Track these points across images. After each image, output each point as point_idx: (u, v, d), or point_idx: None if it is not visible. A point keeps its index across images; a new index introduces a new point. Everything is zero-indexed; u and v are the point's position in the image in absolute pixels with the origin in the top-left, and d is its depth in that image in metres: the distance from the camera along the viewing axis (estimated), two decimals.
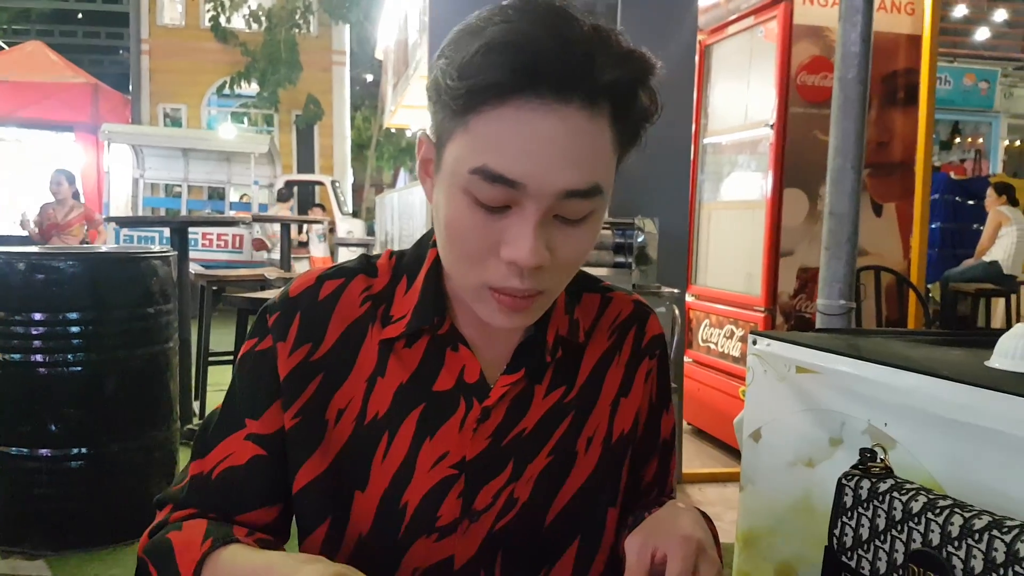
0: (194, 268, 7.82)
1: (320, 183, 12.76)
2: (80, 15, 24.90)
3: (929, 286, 7.18)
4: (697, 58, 5.01)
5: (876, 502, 1.16)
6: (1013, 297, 7.76)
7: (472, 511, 0.96)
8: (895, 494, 1.13)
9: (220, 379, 4.33)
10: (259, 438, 0.96)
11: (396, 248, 1.09)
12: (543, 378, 1.01)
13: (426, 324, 0.95)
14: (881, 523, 1.14)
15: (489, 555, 0.97)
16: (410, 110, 8.71)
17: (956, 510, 1.05)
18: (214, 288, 4.92)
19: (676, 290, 3.76)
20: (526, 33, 0.78)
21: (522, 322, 0.90)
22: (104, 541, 3.20)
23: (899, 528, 1.11)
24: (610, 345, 1.07)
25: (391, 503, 0.95)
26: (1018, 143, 13.23)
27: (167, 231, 5.20)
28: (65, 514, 3.18)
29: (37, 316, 3.09)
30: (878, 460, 1.21)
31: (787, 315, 4.49)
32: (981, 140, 13.00)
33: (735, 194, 5.03)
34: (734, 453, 4.47)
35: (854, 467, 1.22)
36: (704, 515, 0.99)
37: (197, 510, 0.97)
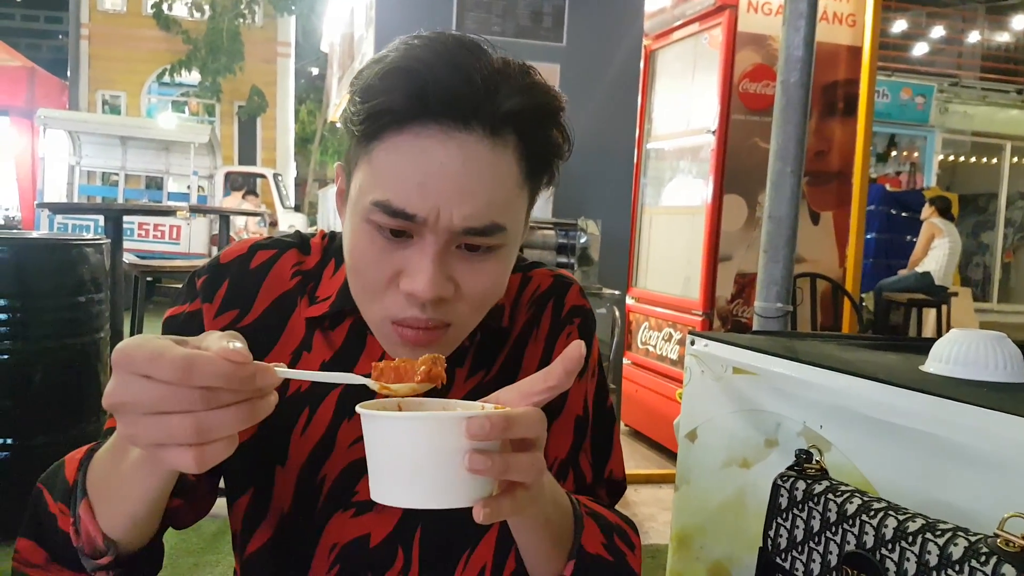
0: (129, 258, 7.65)
1: (262, 176, 12.56)
2: None
3: (863, 295, 7.33)
4: (642, 63, 5.05)
5: (811, 504, 1.16)
6: (943, 308, 7.96)
7: None
8: (830, 496, 1.14)
9: None
10: None
11: None
12: (464, 362, 1.00)
13: (348, 307, 0.94)
14: (816, 525, 1.15)
15: (407, 533, 0.97)
16: None
17: (890, 512, 1.06)
18: (148, 279, 4.80)
19: (617, 292, 3.77)
20: (423, 60, 0.79)
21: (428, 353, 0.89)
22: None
23: (833, 530, 1.12)
24: (527, 320, 1.05)
25: (309, 477, 0.96)
26: (952, 157, 13.58)
27: (102, 220, 5.06)
28: None
29: None
30: (813, 461, 1.21)
31: (724, 319, 4.54)
32: (916, 154, 13.33)
33: (676, 199, 5.08)
34: (669, 455, 4.50)
35: (790, 468, 1.23)
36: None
37: None
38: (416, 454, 0.65)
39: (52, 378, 3.16)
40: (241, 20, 14.97)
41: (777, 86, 2.05)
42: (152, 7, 14.78)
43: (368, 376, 0.74)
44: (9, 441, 3.09)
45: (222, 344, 0.61)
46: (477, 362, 1.02)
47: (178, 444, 0.60)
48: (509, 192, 0.84)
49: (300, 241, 1.03)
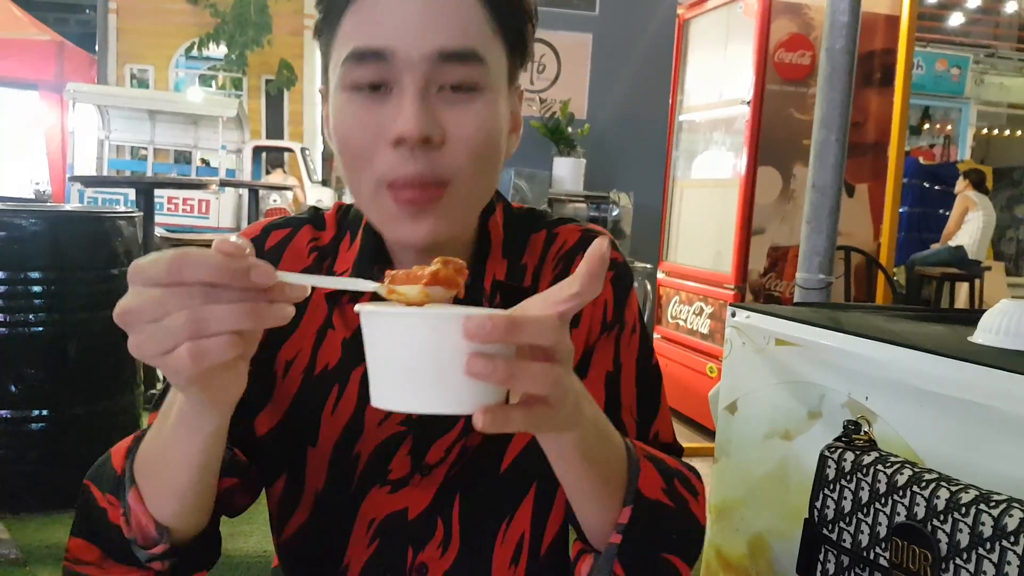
0: (159, 231, 7.70)
1: (289, 150, 12.55)
2: None
3: (895, 269, 7.25)
4: (676, 32, 4.97)
5: (860, 475, 1.14)
6: (976, 282, 7.85)
7: (423, 466, 0.93)
8: (879, 467, 1.12)
9: None
10: None
11: None
12: None
13: (367, 277, 0.91)
14: (864, 496, 1.13)
15: (446, 503, 0.95)
16: None
17: (942, 484, 1.04)
18: None
19: (648, 265, 3.75)
20: None
21: (433, 227, 0.84)
22: (65, 505, 3.12)
23: (883, 501, 1.10)
24: (553, 279, 0.97)
25: (343, 454, 0.94)
26: (986, 130, 13.35)
27: (132, 194, 5.08)
28: (25, 476, 3.10)
29: None
30: (862, 432, 1.20)
31: (756, 293, 4.50)
32: (950, 126, 13.12)
33: (708, 172, 5.02)
34: (700, 429, 4.48)
35: (837, 439, 1.21)
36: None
37: None
38: (412, 355, 0.60)
39: (87, 350, 3.18)
40: None
41: (822, 53, 2.00)
42: None
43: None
44: (45, 412, 3.12)
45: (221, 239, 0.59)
46: None
47: (178, 346, 0.58)
48: (480, 26, 0.83)
49: (315, 217, 1.01)
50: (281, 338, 0.94)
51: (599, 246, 0.62)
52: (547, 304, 0.64)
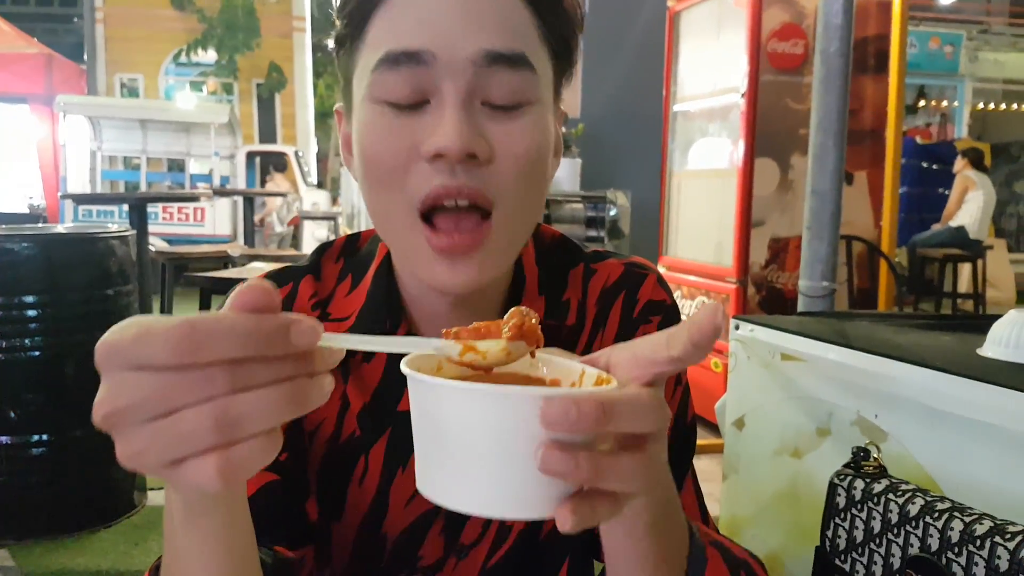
0: (156, 244, 7.66)
1: (283, 154, 12.49)
2: None
3: (897, 251, 7.22)
4: (667, 26, 4.93)
5: (871, 504, 1.11)
6: (979, 262, 7.81)
7: (459, 546, 0.83)
8: (890, 495, 1.09)
9: None
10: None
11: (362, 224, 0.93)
12: None
13: (376, 328, 0.80)
14: (876, 526, 1.10)
15: None
16: None
17: (955, 514, 1.01)
18: (175, 266, 4.81)
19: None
20: None
21: (474, 275, 0.72)
22: (69, 528, 3.12)
23: (895, 532, 1.07)
24: (594, 320, 0.88)
25: (370, 534, 0.83)
26: (982, 106, 13.30)
27: (127, 207, 5.06)
28: (28, 502, 3.09)
29: None
30: (871, 459, 1.16)
31: (759, 286, 4.46)
32: (946, 104, 13.07)
33: (705, 162, 4.98)
34: (706, 424, 4.46)
35: (846, 466, 1.18)
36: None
37: None
38: (470, 439, 0.47)
39: (85, 372, 3.16)
40: None
41: (815, 55, 1.96)
42: None
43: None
44: (46, 437, 3.11)
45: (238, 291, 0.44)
46: None
47: (199, 452, 0.43)
48: (528, 30, 0.72)
49: (315, 265, 0.87)
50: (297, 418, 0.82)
51: (714, 315, 0.50)
52: (639, 362, 0.53)
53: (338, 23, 0.76)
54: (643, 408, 0.48)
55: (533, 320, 0.55)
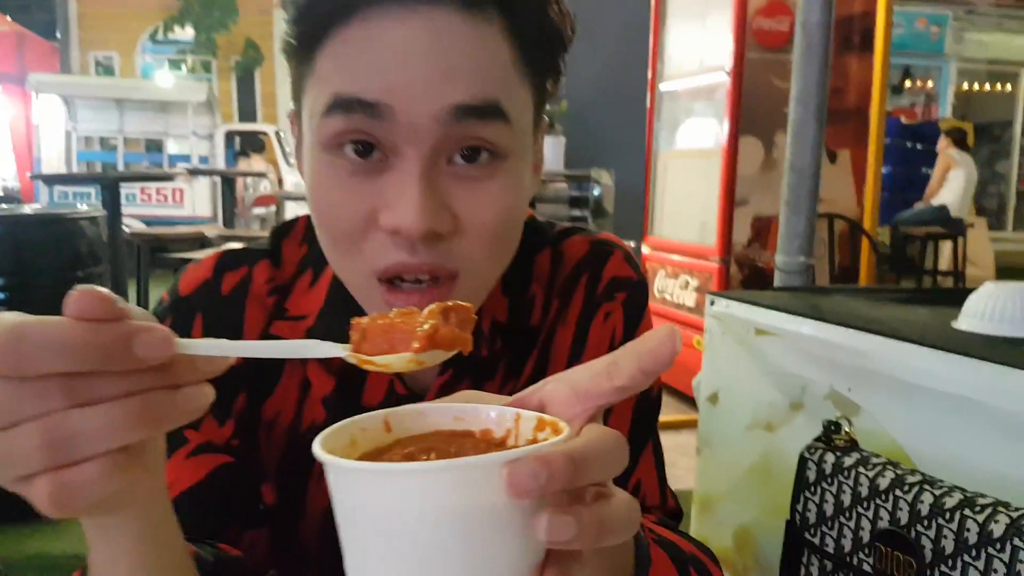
0: (133, 225, 7.57)
1: (264, 133, 12.34)
2: None
3: (879, 229, 7.23)
4: (652, 3, 4.89)
5: (841, 477, 1.10)
6: (960, 240, 7.84)
7: None
8: (861, 469, 1.07)
9: None
10: (210, 446, 0.76)
11: None
12: (494, 373, 0.80)
13: (338, 331, 0.77)
14: (846, 499, 1.08)
15: None
16: None
17: (926, 487, 1.00)
18: (151, 247, 4.75)
19: (633, 243, 3.70)
20: None
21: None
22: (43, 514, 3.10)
23: (865, 505, 1.06)
24: (559, 305, 0.84)
25: (332, 528, 0.79)
26: (966, 86, 13.31)
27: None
28: (2, 487, 3.05)
29: None
30: (842, 432, 1.15)
31: (741, 264, 4.45)
32: (931, 84, 13.07)
33: (691, 142, 4.96)
34: (688, 400, 4.46)
35: (817, 439, 1.16)
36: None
37: None
38: (414, 532, 0.39)
39: None
40: None
41: (796, 27, 1.93)
42: None
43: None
44: None
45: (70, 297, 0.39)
46: (511, 370, 0.81)
47: (31, 474, 0.39)
48: (503, 72, 0.65)
49: (273, 249, 0.82)
50: (262, 393, 0.79)
51: (671, 340, 0.45)
52: (580, 396, 0.48)
53: (286, 30, 0.68)
54: (613, 451, 0.43)
55: (454, 323, 0.49)
